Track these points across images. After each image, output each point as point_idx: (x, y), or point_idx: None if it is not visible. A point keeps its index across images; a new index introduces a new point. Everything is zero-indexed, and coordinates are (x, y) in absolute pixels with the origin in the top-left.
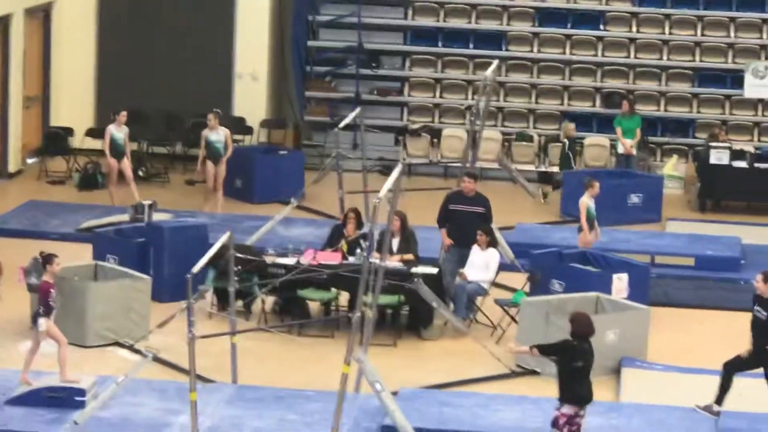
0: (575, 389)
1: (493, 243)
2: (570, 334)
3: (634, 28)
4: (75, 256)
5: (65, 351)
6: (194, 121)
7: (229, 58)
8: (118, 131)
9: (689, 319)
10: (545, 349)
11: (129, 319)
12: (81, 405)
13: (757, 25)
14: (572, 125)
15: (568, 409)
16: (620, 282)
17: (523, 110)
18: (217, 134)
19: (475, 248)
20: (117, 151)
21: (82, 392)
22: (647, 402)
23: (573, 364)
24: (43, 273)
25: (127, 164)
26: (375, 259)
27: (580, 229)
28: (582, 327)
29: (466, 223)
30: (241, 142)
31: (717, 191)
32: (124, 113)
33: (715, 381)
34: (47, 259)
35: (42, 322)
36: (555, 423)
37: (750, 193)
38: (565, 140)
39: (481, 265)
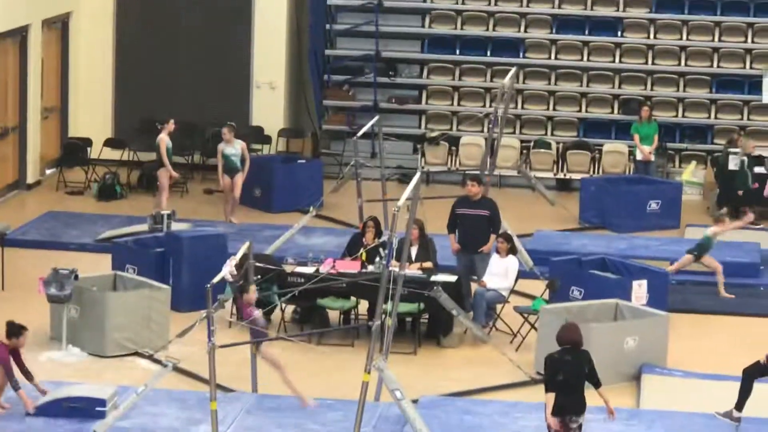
0: (558, 401)
1: (512, 250)
2: (558, 344)
3: (651, 35)
4: (94, 266)
5: None
6: (213, 130)
7: (247, 67)
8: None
9: (709, 325)
10: (547, 384)
11: (148, 328)
12: (101, 415)
13: None
14: (752, 141)
15: (552, 420)
16: (639, 288)
17: (541, 117)
18: (233, 147)
19: (494, 255)
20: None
21: (102, 402)
22: (667, 408)
23: (554, 378)
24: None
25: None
26: (394, 267)
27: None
28: (566, 336)
29: (472, 226)
30: (259, 152)
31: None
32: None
33: (735, 387)
34: (13, 330)
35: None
36: (548, 429)
37: None
38: (744, 157)
39: (501, 272)
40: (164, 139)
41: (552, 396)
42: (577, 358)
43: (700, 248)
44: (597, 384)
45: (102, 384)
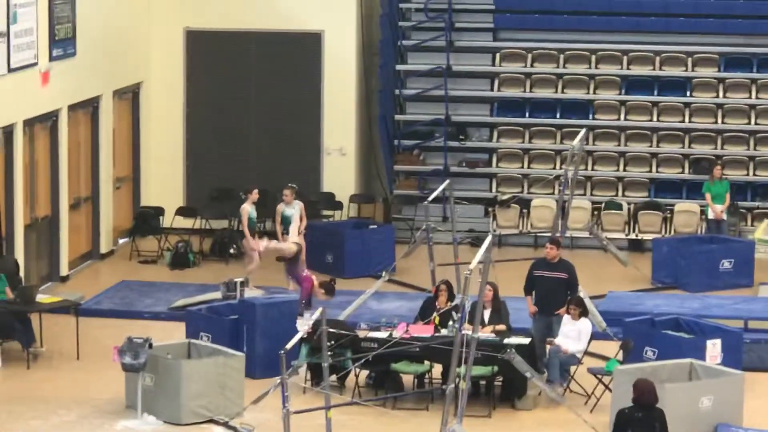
0: None
1: (584, 313)
2: (632, 401)
3: (720, 94)
4: (168, 334)
5: None
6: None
7: (318, 134)
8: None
9: None
10: None
11: (223, 395)
12: None
13: None
14: None
15: None
16: (714, 348)
17: (611, 178)
18: (292, 208)
19: (566, 318)
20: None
21: None
22: None
23: None
24: None
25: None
26: (467, 330)
27: None
28: (641, 394)
29: (549, 289)
30: (330, 218)
31: None
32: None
33: None
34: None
35: None
36: None
37: None
38: None
39: (574, 335)
40: (246, 209)
41: None
42: (648, 415)
43: None
44: None
45: None
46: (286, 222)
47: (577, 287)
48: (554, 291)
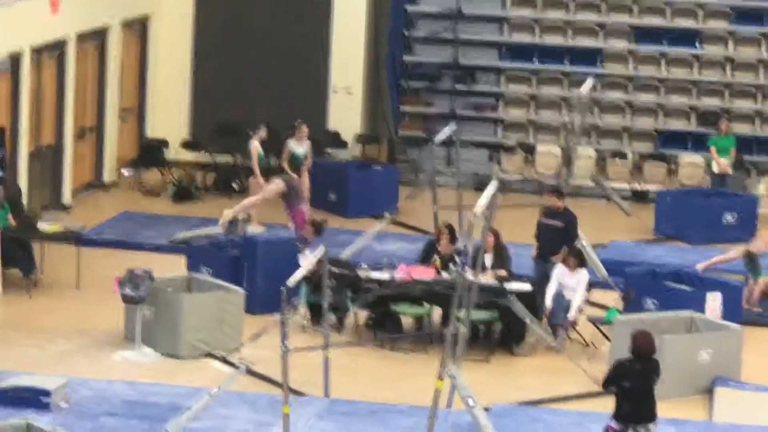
0: (622, 407)
1: (582, 264)
2: (630, 351)
3: (730, 47)
4: (169, 267)
5: None
6: (289, 134)
7: (325, 72)
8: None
9: None
10: (606, 383)
11: (222, 331)
12: (46, 406)
13: None
14: None
15: (615, 424)
16: (714, 301)
17: (617, 128)
18: (302, 147)
19: (565, 270)
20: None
21: (47, 393)
22: (740, 422)
23: (621, 384)
24: None
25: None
26: (469, 275)
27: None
28: (639, 345)
29: (546, 236)
30: (335, 156)
31: None
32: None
33: None
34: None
35: None
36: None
37: None
38: None
39: (572, 285)
40: (256, 147)
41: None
42: (647, 366)
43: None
44: None
45: (54, 375)
46: (296, 161)
47: (574, 238)
48: (551, 239)
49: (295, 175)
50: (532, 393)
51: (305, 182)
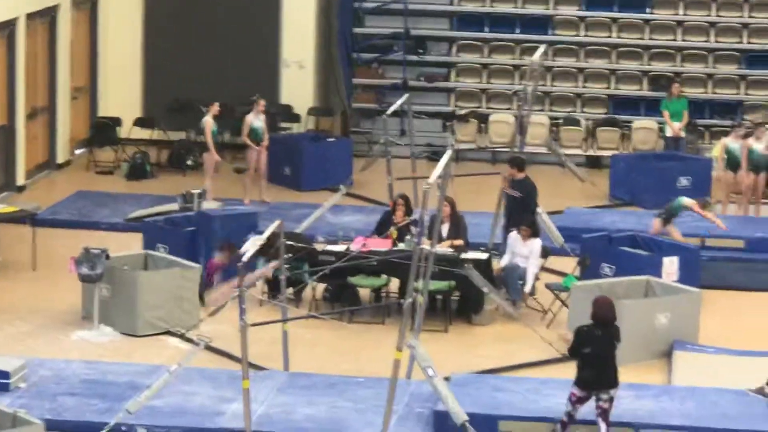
0: (583, 373)
1: (534, 234)
2: (590, 317)
3: (681, 11)
4: (124, 245)
5: None
6: (242, 109)
7: (276, 46)
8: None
9: (740, 301)
10: (572, 351)
11: (180, 307)
12: (5, 387)
13: None
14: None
15: (577, 390)
16: (671, 265)
17: (570, 94)
18: (260, 121)
19: (518, 238)
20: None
21: (5, 374)
22: (699, 385)
23: (581, 350)
24: None
25: (264, 159)
26: (425, 245)
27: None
28: (600, 312)
29: (507, 206)
30: (288, 130)
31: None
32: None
33: (767, 363)
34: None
35: None
36: (569, 398)
37: None
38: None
39: (525, 254)
40: (210, 122)
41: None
42: (607, 332)
43: (668, 212)
44: None
45: (12, 356)
46: (255, 135)
47: (530, 208)
48: (510, 208)
49: (256, 147)
50: (490, 362)
51: (263, 157)
